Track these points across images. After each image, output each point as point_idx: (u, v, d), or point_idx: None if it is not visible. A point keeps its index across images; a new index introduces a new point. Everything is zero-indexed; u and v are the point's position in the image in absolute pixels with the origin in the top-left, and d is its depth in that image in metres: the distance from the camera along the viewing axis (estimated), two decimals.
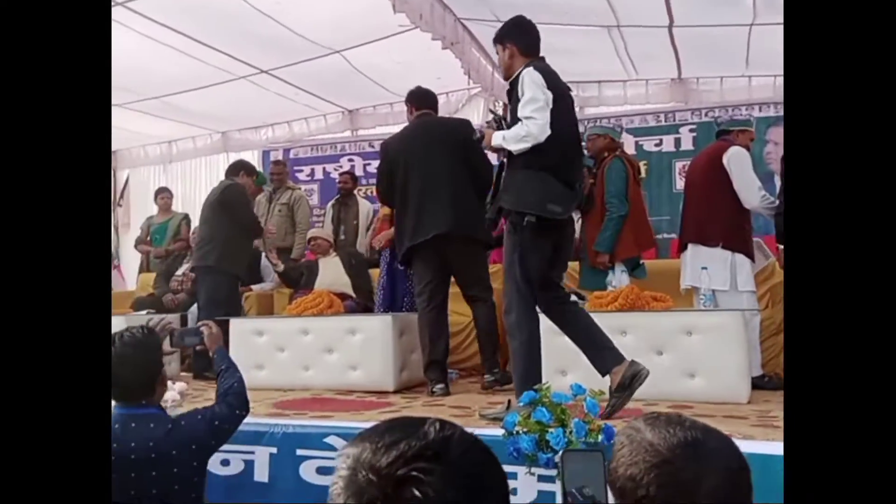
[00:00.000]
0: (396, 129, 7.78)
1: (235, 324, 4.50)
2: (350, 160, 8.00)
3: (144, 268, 7.00)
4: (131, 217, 8.81)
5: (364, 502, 0.68)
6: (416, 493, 0.67)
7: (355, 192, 6.64)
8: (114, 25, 5.13)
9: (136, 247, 7.21)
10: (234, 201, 5.06)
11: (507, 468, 2.50)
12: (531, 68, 2.98)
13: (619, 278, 4.18)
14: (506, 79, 3.13)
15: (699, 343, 3.38)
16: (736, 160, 3.85)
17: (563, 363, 3.51)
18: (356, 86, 6.92)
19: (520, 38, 3.15)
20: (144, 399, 2.14)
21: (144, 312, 5.00)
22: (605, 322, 3.51)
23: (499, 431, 2.54)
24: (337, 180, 6.84)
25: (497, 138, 3.03)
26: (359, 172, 7.64)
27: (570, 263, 4.62)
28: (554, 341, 3.58)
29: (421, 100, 4.30)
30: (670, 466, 0.97)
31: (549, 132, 2.89)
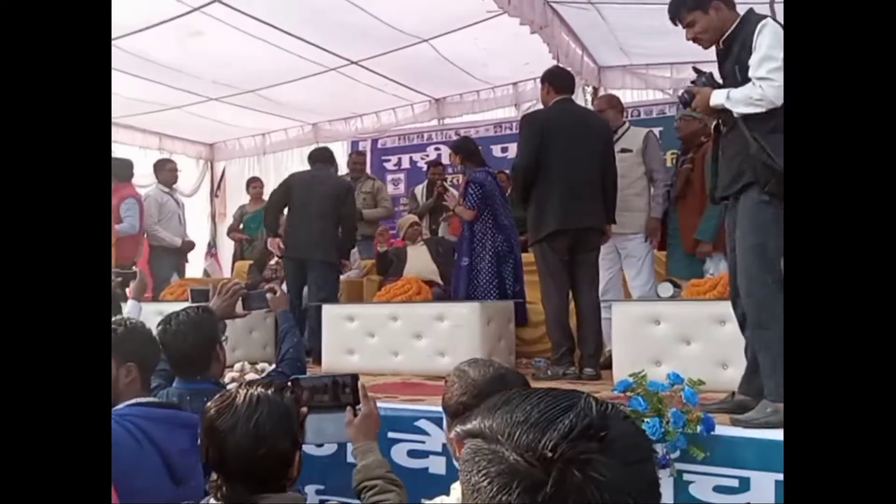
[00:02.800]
0: (482, 117, 7.87)
1: (328, 309, 4.60)
2: (437, 149, 8.03)
3: (238, 256, 7.25)
4: (227, 207, 9.15)
5: (526, 488, 0.60)
6: (584, 476, 0.60)
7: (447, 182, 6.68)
8: (209, 20, 5.33)
9: (228, 234, 7.51)
10: (350, 198, 5.16)
11: None
12: (772, 21, 2.53)
13: (717, 266, 4.02)
14: (717, 42, 2.72)
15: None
16: None
17: (658, 353, 3.41)
18: (443, 74, 6.93)
19: None
20: (199, 375, 2.24)
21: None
22: (704, 311, 3.39)
23: None
24: (427, 171, 6.88)
25: (719, 97, 2.60)
26: (444, 161, 7.67)
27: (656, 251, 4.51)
28: (647, 330, 3.48)
29: (563, 83, 4.18)
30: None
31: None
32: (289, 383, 1.71)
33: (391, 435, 2.82)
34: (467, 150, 4.96)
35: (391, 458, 2.80)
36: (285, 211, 5.21)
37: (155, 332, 2.21)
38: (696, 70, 2.84)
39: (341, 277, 5.73)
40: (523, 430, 0.62)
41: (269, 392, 1.54)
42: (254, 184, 7.39)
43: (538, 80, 7.07)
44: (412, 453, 2.79)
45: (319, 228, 4.96)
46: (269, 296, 2.69)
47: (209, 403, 1.54)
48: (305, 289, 5.06)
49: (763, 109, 2.48)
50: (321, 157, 5.36)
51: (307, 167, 5.93)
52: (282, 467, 1.51)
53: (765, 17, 2.58)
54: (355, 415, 1.84)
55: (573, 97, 4.26)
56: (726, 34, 2.66)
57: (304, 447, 1.65)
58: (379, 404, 2.97)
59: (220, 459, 1.46)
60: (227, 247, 8.37)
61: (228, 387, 1.88)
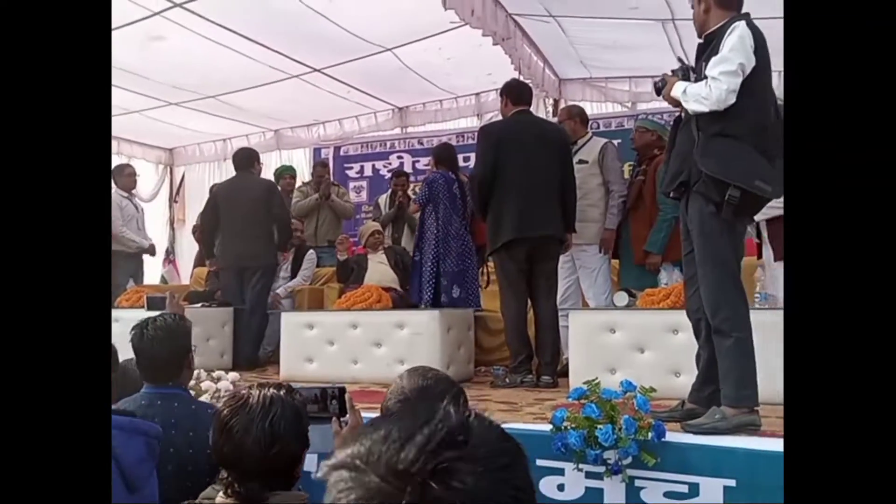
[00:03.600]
0: (445, 126, 7.92)
1: (287, 317, 4.58)
2: (399, 157, 8.05)
3: (198, 262, 7.16)
4: (186, 213, 9.03)
5: None
6: (446, 487, 0.56)
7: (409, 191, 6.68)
8: (171, 26, 5.28)
9: (194, 234, 7.41)
10: (275, 198, 5.24)
11: (554, 464, 2.50)
12: (744, 23, 2.55)
13: (671, 275, 4.10)
14: (700, 35, 2.74)
15: (755, 342, 3.29)
16: None
17: (613, 361, 3.47)
18: (406, 83, 6.96)
19: None
20: (171, 380, 2.25)
21: (199, 305, 5.11)
22: (658, 320, 3.47)
23: (544, 426, 2.52)
24: (391, 180, 6.88)
25: (679, 88, 2.64)
26: (407, 169, 7.68)
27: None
28: (603, 338, 3.55)
29: (520, 95, 4.30)
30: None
31: (732, 101, 2.49)
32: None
33: None
34: (441, 154, 5.11)
35: None
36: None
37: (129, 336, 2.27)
38: (679, 59, 2.86)
39: (293, 285, 5.71)
40: (382, 451, 0.59)
41: (282, 393, 1.60)
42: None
43: (499, 91, 7.24)
44: None
45: (252, 235, 5.10)
46: (167, 301, 2.77)
47: (222, 404, 1.61)
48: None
49: (706, 109, 2.53)
50: (241, 163, 5.40)
51: (268, 173, 5.93)
52: (292, 466, 1.56)
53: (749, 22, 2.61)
54: (341, 426, 1.85)
55: (532, 109, 4.33)
56: (710, 30, 2.68)
57: None
58: None
59: (236, 457, 1.51)
60: (185, 253, 8.27)
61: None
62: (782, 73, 2.23)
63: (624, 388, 2.47)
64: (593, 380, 2.52)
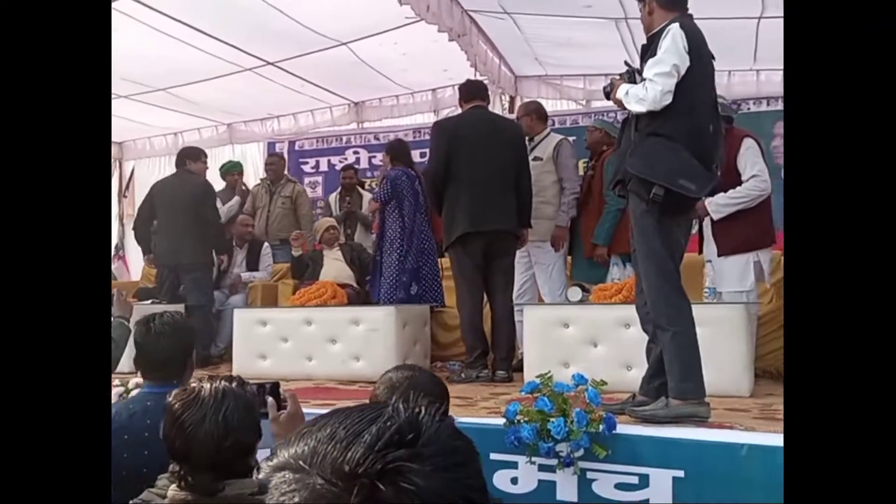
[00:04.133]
0: (402, 121, 7.90)
1: (239, 313, 4.52)
2: (355, 152, 7.99)
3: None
4: (136, 208, 8.81)
5: None
6: (395, 488, 0.54)
7: (358, 187, 6.63)
8: (121, 17, 5.14)
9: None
10: (208, 201, 5.25)
11: (507, 457, 2.52)
12: (677, 25, 2.61)
13: (623, 271, 4.17)
14: (647, 35, 2.77)
15: (703, 336, 3.36)
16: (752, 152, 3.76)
17: (566, 355, 3.51)
18: (362, 78, 6.91)
19: None
20: (175, 379, 2.16)
21: (149, 302, 5.01)
22: (610, 315, 3.52)
23: (498, 420, 2.54)
24: (341, 175, 6.83)
25: (622, 91, 2.69)
26: (363, 164, 7.64)
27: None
28: (556, 333, 3.58)
29: (474, 91, 4.34)
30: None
31: (668, 101, 2.54)
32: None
33: None
34: (397, 150, 5.09)
35: None
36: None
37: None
38: (626, 63, 2.91)
39: (258, 276, 5.64)
40: (327, 451, 0.57)
41: (233, 385, 1.59)
42: None
43: (456, 87, 7.24)
44: None
45: (183, 232, 5.08)
46: (115, 298, 2.71)
47: (172, 398, 1.58)
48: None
49: (644, 109, 2.60)
50: (180, 160, 5.42)
51: (219, 168, 5.83)
52: (245, 456, 1.56)
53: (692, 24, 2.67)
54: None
55: (487, 105, 4.34)
56: (652, 32, 2.74)
57: None
58: None
59: (187, 451, 1.50)
60: (134, 249, 8.06)
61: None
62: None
63: (576, 382, 2.51)
64: (546, 373, 2.54)
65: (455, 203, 4.04)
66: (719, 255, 3.73)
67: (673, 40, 2.57)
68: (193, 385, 1.60)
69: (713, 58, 2.73)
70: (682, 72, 2.56)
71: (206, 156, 5.57)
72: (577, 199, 4.49)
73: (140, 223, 5.46)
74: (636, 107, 2.63)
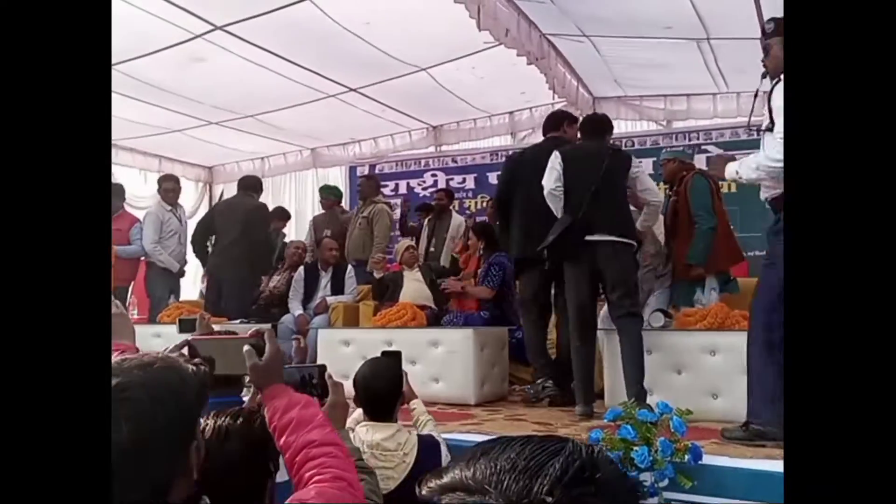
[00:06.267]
0: (479, 144, 7.98)
1: (323, 333, 4.63)
2: (433, 175, 8.11)
3: None
4: None
5: None
6: None
7: (451, 207, 6.73)
8: (212, 48, 5.42)
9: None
10: (258, 225, 5.96)
11: None
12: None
13: (708, 296, 4.07)
14: (774, 73, 2.75)
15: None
16: None
17: (649, 382, 3.44)
18: (440, 102, 7.03)
19: None
20: (233, 388, 2.13)
21: (238, 322, 5.20)
22: (694, 341, 3.44)
23: None
24: (433, 197, 6.95)
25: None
26: (440, 186, 7.73)
27: None
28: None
29: (548, 124, 4.47)
30: None
31: None
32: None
33: None
34: (489, 234, 5.35)
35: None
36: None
37: None
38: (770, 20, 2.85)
39: (344, 299, 5.77)
40: (512, 478, 0.60)
41: (238, 423, 1.48)
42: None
43: (534, 110, 7.28)
44: None
45: (230, 251, 5.74)
46: (198, 322, 2.75)
47: None
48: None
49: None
50: (243, 185, 6.21)
51: (305, 191, 6.09)
52: (255, 496, 1.46)
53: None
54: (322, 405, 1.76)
55: (562, 135, 4.32)
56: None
57: None
58: None
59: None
60: None
61: None
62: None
63: (660, 410, 2.46)
64: (630, 401, 2.51)
65: (510, 230, 4.26)
66: None
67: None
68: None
69: None
70: None
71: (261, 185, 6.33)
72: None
73: (195, 239, 6.07)
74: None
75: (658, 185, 4.92)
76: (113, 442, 1.01)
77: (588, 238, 3.54)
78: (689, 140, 6.82)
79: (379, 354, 2.35)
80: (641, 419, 2.42)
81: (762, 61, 2.82)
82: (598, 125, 4.02)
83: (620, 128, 6.57)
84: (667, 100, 6.79)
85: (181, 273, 6.36)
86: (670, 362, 3.47)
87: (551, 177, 3.69)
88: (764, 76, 2.81)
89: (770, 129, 2.63)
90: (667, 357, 3.48)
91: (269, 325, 1.77)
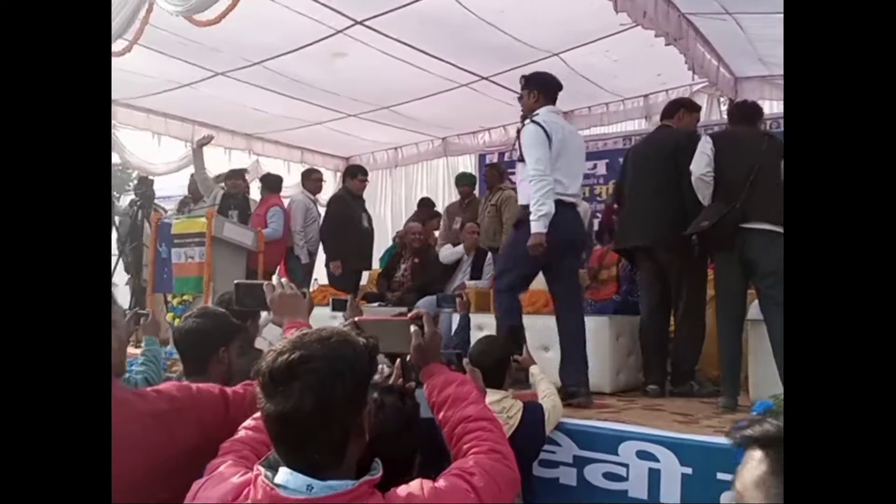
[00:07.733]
0: (612, 129, 7.80)
1: (457, 318, 4.73)
2: None
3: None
4: None
5: None
6: None
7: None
8: (353, 43, 5.64)
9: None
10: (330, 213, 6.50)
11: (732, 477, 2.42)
12: None
13: None
14: None
15: None
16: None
17: None
18: (572, 87, 6.84)
19: None
20: (198, 375, 2.11)
21: (376, 304, 5.42)
22: None
23: (723, 440, 2.45)
24: None
25: None
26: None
27: None
28: None
29: (663, 113, 4.55)
30: None
31: None
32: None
33: None
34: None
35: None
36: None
37: None
38: None
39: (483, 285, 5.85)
40: None
41: (392, 398, 1.49)
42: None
43: (669, 92, 7.03)
44: (542, 462, 2.85)
45: (357, 242, 6.32)
46: (348, 303, 2.73)
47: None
48: None
49: None
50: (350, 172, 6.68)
51: (436, 180, 6.18)
52: (406, 467, 1.47)
53: None
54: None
55: (704, 108, 4.34)
56: None
57: None
58: None
59: None
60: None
61: None
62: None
63: None
64: (779, 394, 2.41)
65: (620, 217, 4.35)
66: None
67: None
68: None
69: None
70: None
71: (364, 173, 6.64)
72: None
73: (324, 231, 6.45)
74: None
75: None
76: (296, 407, 1.08)
77: (743, 226, 3.43)
78: None
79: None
80: None
81: None
82: (750, 111, 3.92)
83: (766, 108, 6.23)
84: None
85: (313, 262, 6.70)
86: None
87: (701, 162, 3.60)
88: None
89: None
90: None
91: (424, 309, 1.77)
